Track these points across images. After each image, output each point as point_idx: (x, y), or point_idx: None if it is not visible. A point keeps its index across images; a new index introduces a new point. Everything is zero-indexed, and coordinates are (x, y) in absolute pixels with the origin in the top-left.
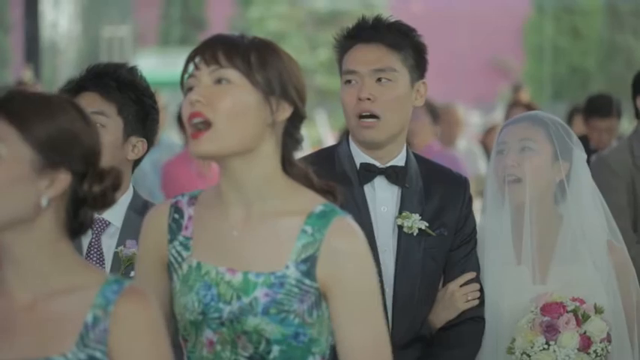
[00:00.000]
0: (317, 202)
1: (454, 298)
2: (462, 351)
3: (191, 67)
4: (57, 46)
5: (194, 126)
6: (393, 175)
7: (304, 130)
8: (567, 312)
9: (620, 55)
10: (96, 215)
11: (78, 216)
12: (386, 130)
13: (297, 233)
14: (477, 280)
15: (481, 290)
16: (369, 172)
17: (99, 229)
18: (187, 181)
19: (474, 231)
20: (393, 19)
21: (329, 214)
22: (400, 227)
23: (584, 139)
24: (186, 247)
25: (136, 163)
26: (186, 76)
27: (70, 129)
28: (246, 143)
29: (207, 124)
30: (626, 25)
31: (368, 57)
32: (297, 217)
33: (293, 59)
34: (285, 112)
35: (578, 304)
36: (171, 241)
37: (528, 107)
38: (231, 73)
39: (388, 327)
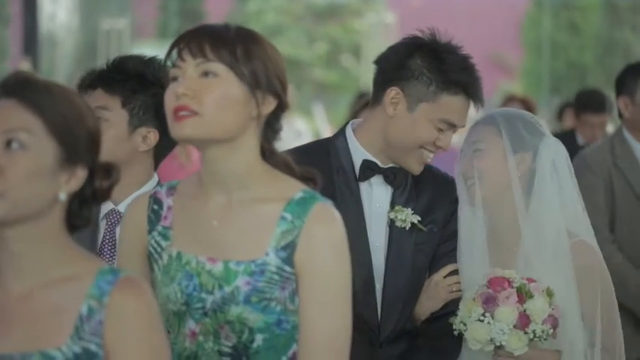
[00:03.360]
0: (296, 189)
1: (438, 289)
2: (446, 342)
3: (174, 54)
4: (55, 39)
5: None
6: (391, 176)
7: (305, 124)
8: (512, 287)
9: (618, 51)
10: (111, 207)
11: (82, 212)
12: None
13: (277, 220)
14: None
15: None
16: (370, 170)
17: (114, 221)
18: (170, 174)
19: (457, 229)
20: (475, 67)
21: (309, 201)
22: (392, 221)
23: (572, 134)
24: (166, 237)
25: (161, 154)
26: (169, 63)
27: (86, 122)
28: (229, 134)
29: (193, 114)
30: (625, 20)
31: (465, 116)
32: (276, 204)
33: (276, 49)
34: (270, 105)
35: (525, 282)
36: (150, 231)
37: (523, 102)
38: (218, 67)
39: (377, 322)
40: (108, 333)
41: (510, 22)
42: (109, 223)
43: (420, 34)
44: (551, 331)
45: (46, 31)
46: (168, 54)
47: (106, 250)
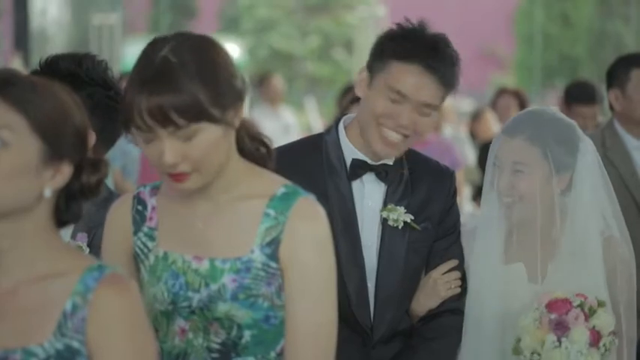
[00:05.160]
0: (278, 184)
1: (436, 286)
2: (441, 343)
3: (138, 120)
4: (46, 34)
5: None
6: (383, 173)
7: (293, 118)
8: (574, 307)
9: (609, 43)
10: None
11: (71, 208)
12: (402, 150)
13: (261, 217)
14: (459, 268)
15: (463, 282)
16: (359, 169)
17: None
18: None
19: (457, 223)
20: (450, 46)
21: (291, 196)
22: (385, 220)
23: None
24: (152, 238)
25: (99, 153)
26: (134, 128)
27: (72, 119)
28: (221, 167)
29: (190, 174)
30: (616, 12)
31: (423, 90)
32: (259, 201)
33: (225, 52)
34: (240, 115)
35: (582, 299)
36: (135, 232)
37: (516, 94)
38: (193, 127)
39: (370, 322)
40: (90, 330)
41: (502, 15)
42: None
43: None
44: (617, 340)
45: (37, 26)
46: (130, 118)
47: None
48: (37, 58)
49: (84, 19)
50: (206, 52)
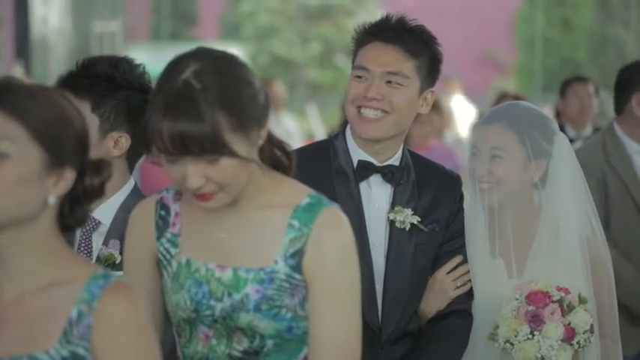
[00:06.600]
0: (302, 194)
1: (444, 286)
2: (449, 344)
3: (161, 146)
4: (47, 42)
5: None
6: (389, 174)
7: (294, 124)
8: (553, 302)
9: (610, 47)
10: None
11: (75, 212)
12: (384, 130)
13: (285, 228)
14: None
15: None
16: (365, 170)
17: (89, 228)
18: (160, 181)
19: (463, 227)
20: (415, 24)
21: (315, 207)
22: (392, 222)
23: (561, 128)
24: (175, 244)
25: (134, 158)
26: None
27: (72, 124)
28: (244, 183)
29: (216, 192)
30: (617, 16)
31: (382, 58)
32: (283, 210)
33: (246, 68)
34: (265, 131)
35: (563, 294)
36: (158, 238)
37: (516, 99)
38: (222, 157)
39: (378, 323)
40: (96, 337)
41: (503, 20)
42: (85, 229)
43: None
44: (592, 338)
45: (38, 34)
46: (153, 141)
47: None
48: (38, 66)
49: (85, 26)
50: (229, 75)
